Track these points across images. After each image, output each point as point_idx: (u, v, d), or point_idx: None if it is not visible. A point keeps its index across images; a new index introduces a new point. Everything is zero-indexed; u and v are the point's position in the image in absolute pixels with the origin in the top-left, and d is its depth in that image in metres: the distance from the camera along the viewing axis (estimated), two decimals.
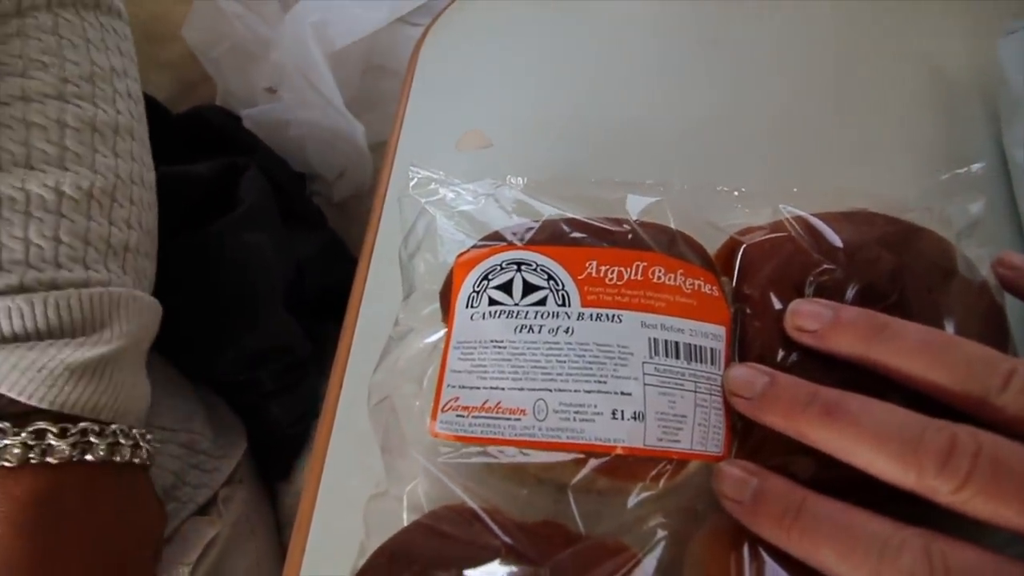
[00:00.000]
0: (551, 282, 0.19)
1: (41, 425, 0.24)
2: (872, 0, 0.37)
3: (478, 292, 0.20)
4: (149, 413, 0.33)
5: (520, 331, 0.19)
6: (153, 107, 0.44)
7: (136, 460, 0.27)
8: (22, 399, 0.24)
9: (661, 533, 0.17)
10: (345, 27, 0.43)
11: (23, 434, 0.24)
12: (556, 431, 0.17)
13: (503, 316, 0.19)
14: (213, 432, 0.37)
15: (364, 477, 0.22)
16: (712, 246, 0.22)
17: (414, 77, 0.39)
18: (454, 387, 0.19)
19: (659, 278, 0.19)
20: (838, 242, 0.20)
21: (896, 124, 0.32)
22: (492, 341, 0.19)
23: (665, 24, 0.39)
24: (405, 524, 0.19)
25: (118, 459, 0.26)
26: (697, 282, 0.20)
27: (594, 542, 0.18)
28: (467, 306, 0.20)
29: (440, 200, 0.24)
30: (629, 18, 0.40)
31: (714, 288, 0.20)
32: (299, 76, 0.43)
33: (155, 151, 0.41)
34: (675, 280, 0.19)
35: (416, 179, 0.25)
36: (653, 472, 0.18)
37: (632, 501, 0.18)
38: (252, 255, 0.35)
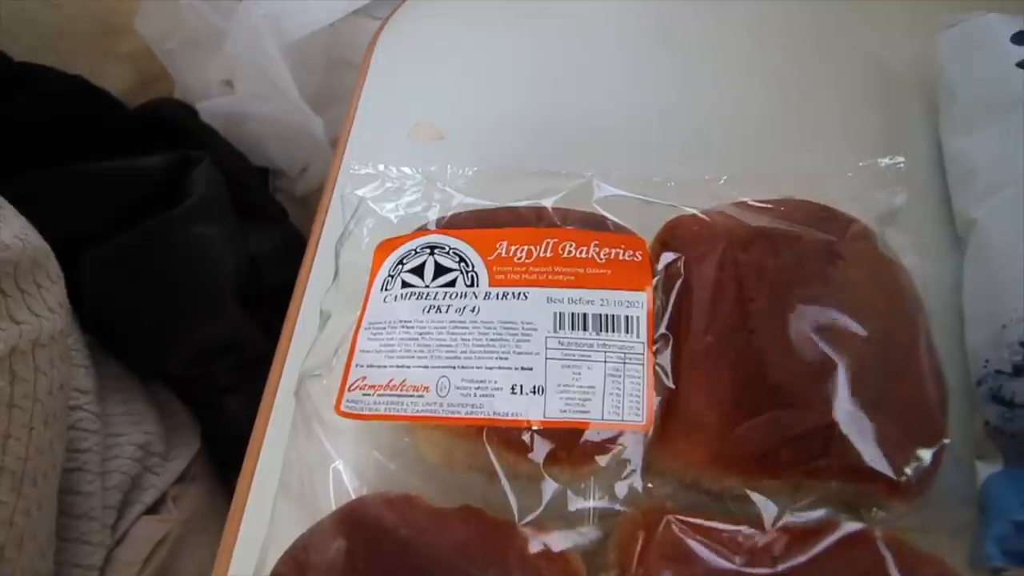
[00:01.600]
0: (462, 264, 0.20)
1: None
2: None
3: (393, 276, 0.20)
4: (102, 418, 0.32)
5: (428, 311, 0.19)
6: (109, 101, 0.44)
7: None
8: None
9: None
10: (300, 19, 0.43)
11: None
12: (457, 407, 0.18)
13: (413, 298, 0.19)
14: (166, 432, 0.37)
15: None
16: (647, 235, 0.22)
17: (369, 70, 0.39)
18: (362, 367, 0.19)
19: (570, 252, 0.20)
20: (765, 223, 0.21)
21: (840, 116, 0.33)
22: (401, 322, 0.19)
23: (617, 18, 0.39)
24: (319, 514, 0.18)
25: None
26: (615, 251, 0.20)
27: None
28: (381, 289, 0.20)
29: (379, 195, 0.24)
30: (582, 12, 0.40)
31: (637, 253, 0.20)
32: (254, 69, 0.42)
33: (110, 145, 0.41)
34: (588, 252, 0.20)
35: (358, 174, 0.25)
36: (575, 452, 0.18)
37: (555, 486, 0.18)
38: (201, 248, 0.35)
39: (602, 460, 0.18)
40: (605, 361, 0.18)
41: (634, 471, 0.18)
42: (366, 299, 0.20)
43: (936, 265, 0.25)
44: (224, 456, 0.41)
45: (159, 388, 0.38)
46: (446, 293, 0.19)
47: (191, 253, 0.35)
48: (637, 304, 0.19)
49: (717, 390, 0.18)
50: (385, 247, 0.21)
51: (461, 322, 0.19)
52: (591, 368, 0.18)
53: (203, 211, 0.36)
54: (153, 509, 0.34)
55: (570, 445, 0.18)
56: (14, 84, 0.37)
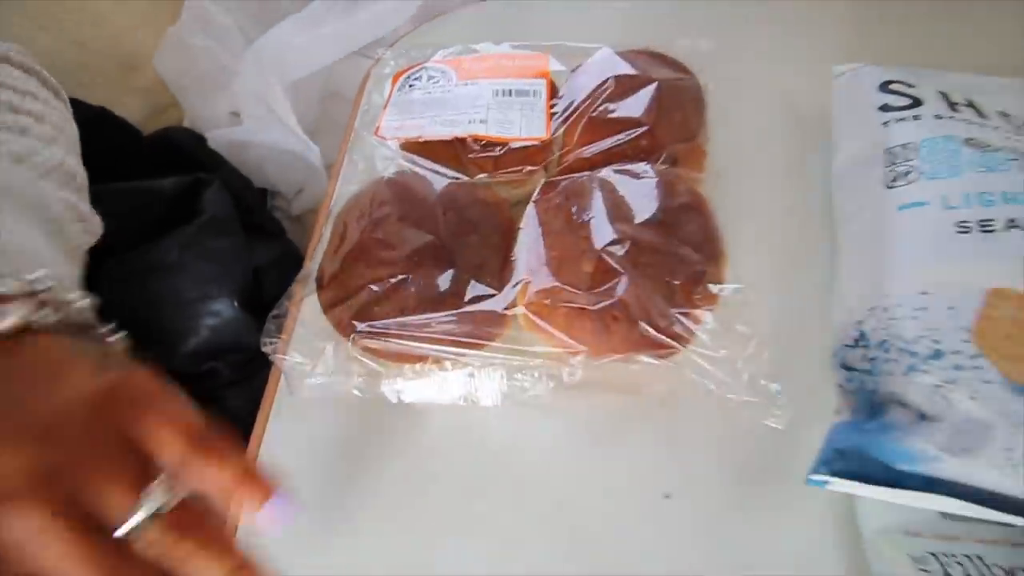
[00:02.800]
0: (443, 74, 0.38)
1: None
2: (741, 35, 0.43)
3: (404, 83, 0.39)
4: None
5: (429, 93, 0.37)
6: (128, 129, 0.49)
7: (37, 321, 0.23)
8: None
9: None
10: (301, 61, 0.49)
11: None
12: (447, 127, 0.36)
13: (418, 91, 0.38)
14: None
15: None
16: None
17: (361, 104, 0.45)
18: (395, 117, 0.37)
19: (504, 64, 0.38)
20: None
21: (751, 148, 0.38)
22: (415, 99, 0.38)
23: None
24: None
25: None
26: (528, 64, 0.38)
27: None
28: (398, 91, 0.38)
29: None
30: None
31: (540, 61, 0.38)
32: (260, 103, 0.48)
33: (126, 169, 0.46)
34: (515, 63, 0.38)
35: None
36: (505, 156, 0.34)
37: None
38: (215, 259, 0.40)
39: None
40: (521, 110, 0.35)
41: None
42: (388, 98, 0.38)
43: None
44: None
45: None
46: (436, 87, 0.37)
47: (206, 263, 0.40)
48: (540, 85, 0.37)
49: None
50: (399, 73, 0.40)
51: (445, 97, 0.37)
52: (512, 112, 0.35)
53: (216, 226, 0.41)
54: None
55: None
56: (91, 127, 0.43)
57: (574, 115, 0.34)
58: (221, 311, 0.40)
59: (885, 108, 0.31)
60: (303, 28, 0.53)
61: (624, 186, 0.30)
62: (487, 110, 0.35)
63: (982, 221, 0.25)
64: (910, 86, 0.31)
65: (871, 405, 0.24)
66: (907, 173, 0.28)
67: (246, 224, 0.47)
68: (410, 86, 0.38)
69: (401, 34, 0.50)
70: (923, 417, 0.22)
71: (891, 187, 0.28)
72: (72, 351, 0.23)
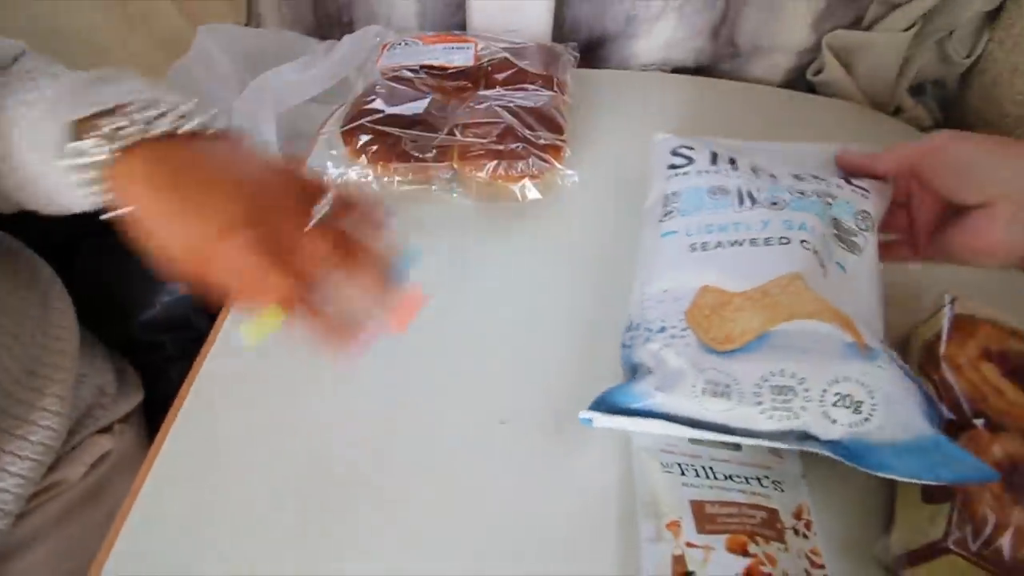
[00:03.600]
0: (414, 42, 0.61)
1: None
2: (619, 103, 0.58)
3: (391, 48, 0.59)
4: (75, 359, 0.44)
5: (407, 45, 0.61)
6: None
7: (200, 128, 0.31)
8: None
9: None
10: (293, 93, 0.62)
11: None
12: None
13: (399, 47, 0.60)
14: (118, 382, 0.49)
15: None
16: None
17: (316, 142, 0.56)
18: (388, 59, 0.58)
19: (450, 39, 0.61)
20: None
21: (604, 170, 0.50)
22: (397, 52, 0.59)
23: None
24: None
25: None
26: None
27: None
28: (386, 51, 0.60)
29: None
30: None
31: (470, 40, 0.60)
32: (251, 122, 0.59)
33: None
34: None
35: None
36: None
37: None
38: None
39: None
40: (460, 52, 0.59)
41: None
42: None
43: None
44: (158, 412, 0.53)
45: (117, 356, 0.51)
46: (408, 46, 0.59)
47: None
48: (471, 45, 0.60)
49: None
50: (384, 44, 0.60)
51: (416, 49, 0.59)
52: (455, 54, 0.59)
53: None
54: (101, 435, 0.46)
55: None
56: None
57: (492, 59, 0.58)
58: (174, 291, 0.48)
59: (671, 167, 0.41)
60: (296, 71, 0.67)
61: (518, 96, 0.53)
62: (442, 53, 0.58)
63: (704, 243, 0.35)
64: (690, 149, 0.41)
65: (631, 370, 0.34)
66: (670, 212, 0.38)
67: None
68: (391, 48, 0.59)
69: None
70: (649, 371, 0.32)
71: (661, 221, 0.38)
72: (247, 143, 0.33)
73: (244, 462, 0.37)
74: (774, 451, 0.34)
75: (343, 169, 0.51)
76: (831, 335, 0.30)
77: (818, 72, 0.67)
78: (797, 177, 0.38)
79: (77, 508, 0.43)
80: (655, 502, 0.31)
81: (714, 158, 0.40)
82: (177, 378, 0.52)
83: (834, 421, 0.29)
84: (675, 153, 0.41)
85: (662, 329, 0.33)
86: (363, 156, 0.50)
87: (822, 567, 0.29)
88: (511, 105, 0.52)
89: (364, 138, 0.50)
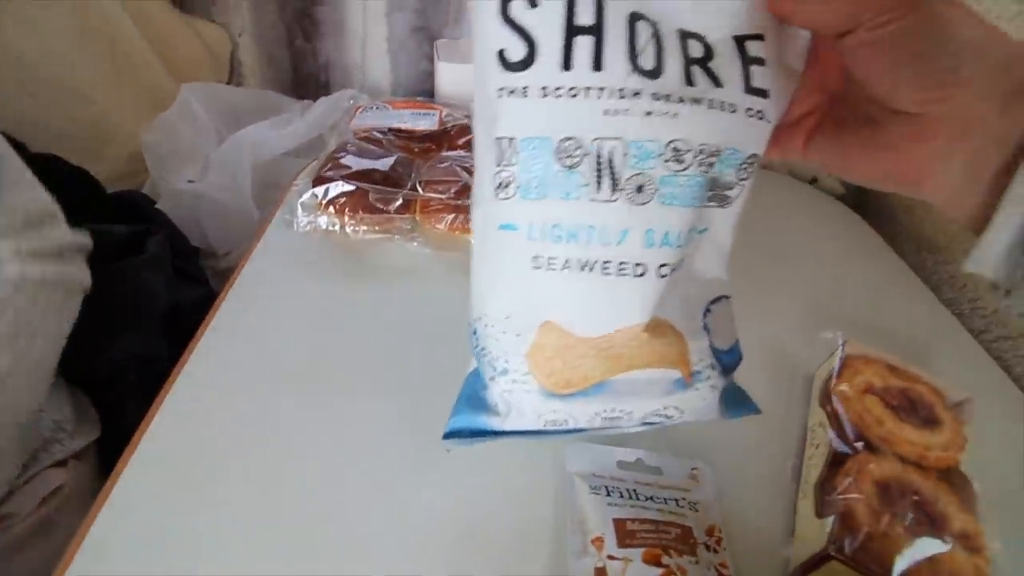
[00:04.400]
0: (383, 106, 0.64)
1: None
2: None
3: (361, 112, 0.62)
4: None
5: (377, 108, 0.66)
6: (95, 185, 0.62)
7: None
8: None
9: None
10: (270, 146, 0.67)
11: None
12: None
13: (370, 112, 0.66)
14: (76, 418, 0.50)
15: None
16: None
17: (288, 192, 0.61)
18: (361, 120, 0.63)
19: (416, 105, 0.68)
20: None
21: None
22: (368, 114, 0.65)
23: None
24: None
25: None
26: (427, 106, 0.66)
27: None
28: (357, 114, 0.64)
29: None
30: None
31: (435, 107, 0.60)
32: (226, 171, 0.64)
33: (92, 216, 0.58)
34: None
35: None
36: None
37: None
38: (147, 287, 0.51)
39: None
40: (426, 116, 0.65)
41: None
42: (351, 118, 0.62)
43: None
44: (112, 448, 0.53)
45: (78, 392, 0.52)
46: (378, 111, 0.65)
47: (139, 289, 0.51)
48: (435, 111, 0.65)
49: None
50: (356, 107, 0.67)
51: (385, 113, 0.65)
52: (421, 120, 0.65)
53: (152, 264, 0.53)
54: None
55: None
56: (37, 167, 0.55)
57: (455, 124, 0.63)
58: (143, 328, 0.51)
59: (503, 59, 0.23)
60: (273, 127, 0.72)
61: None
62: (410, 118, 0.64)
63: (550, 259, 0.26)
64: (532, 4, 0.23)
65: (480, 382, 0.31)
66: (507, 184, 0.25)
67: (178, 269, 0.59)
68: (363, 110, 0.64)
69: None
70: (496, 412, 0.31)
71: (498, 196, 0.25)
72: None
73: (204, 495, 0.38)
74: (692, 476, 0.38)
75: (312, 217, 0.55)
76: (664, 376, 0.29)
77: None
78: (688, 78, 0.24)
79: (27, 541, 0.43)
80: (583, 520, 0.34)
81: (568, 46, 0.23)
82: (135, 416, 0.54)
83: (652, 424, 0.31)
84: (507, 19, 0.23)
85: (504, 371, 0.29)
86: (332, 207, 0.54)
87: None
88: (469, 165, 0.57)
89: (334, 190, 0.55)
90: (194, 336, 0.48)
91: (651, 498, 0.35)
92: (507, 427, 0.30)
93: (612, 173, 0.24)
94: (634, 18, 0.23)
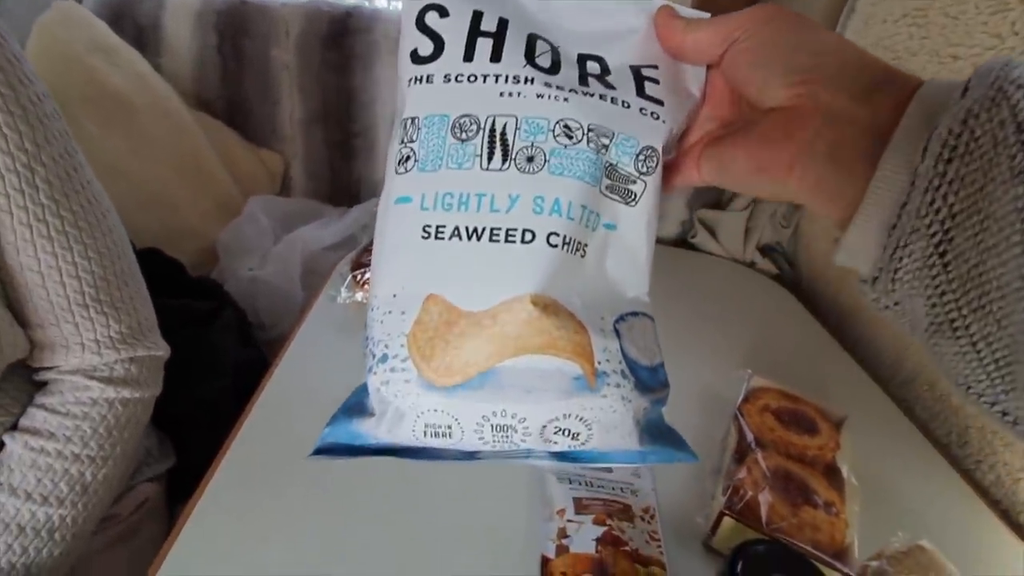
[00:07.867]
0: None
1: None
2: None
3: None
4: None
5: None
6: (183, 271, 0.80)
7: None
8: None
9: None
10: (316, 241, 0.86)
11: None
12: None
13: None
14: (160, 449, 0.63)
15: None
16: None
17: (329, 279, 0.78)
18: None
19: None
20: None
21: None
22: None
23: None
24: None
25: None
26: None
27: None
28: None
29: None
30: None
31: None
32: (281, 262, 0.82)
33: (178, 294, 0.75)
34: None
35: None
36: None
37: None
38: (220, 347, 0.67)
39: None
40: None
41: None
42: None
43: None
44: (178, 478, 0.66)
45: (160, 431, 0.65)
46: None
47: (215, 349, 0.67)
48: None
49: None
50: None
51: None
52: None
53: (224, 331, 0.69)
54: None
55: None
56: (143, 258, 0.73)
57: None
58: (219, 379, 0.65)
59: (415, 55, 0.26)
60: (316, 228, 0.93)
61: None
62: None
63: (439, 227, 0.25)
64: (444, 15, 0.26)
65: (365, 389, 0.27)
66: (407, 158, 0.26)
67: (240, 336, 0.75)
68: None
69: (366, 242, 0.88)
70: (372, 413, 0.26)
71: (398, 172, 0.26)
72: None
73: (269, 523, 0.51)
74: (635, 472, 0.51)
75: (351, 293, 0.71)
76: (560, 370, 0.25)
77: (694, 236, 0.94)
78: (583, 80, 0.26)
79: (119, 540, 0.55)
80: (551, 498, 0.47)
81: (471, 44, 0.26)
82: (197, 451, 0.67)
83: (555, 444, 0.26)
84: (422, 26, 0.27)
85: (384, 358, 0.26)
86: (365, 286, 0.71)
87: (658, 540, 0.45)
88: None
89: (367, 273, 0.72)
90: (256, 389, 0.62)
91: (602, 486, 0.48)
92: (382, 435, 0.26)
93: (504, 145, 0.25)
94: (534, 37, 0.26)
